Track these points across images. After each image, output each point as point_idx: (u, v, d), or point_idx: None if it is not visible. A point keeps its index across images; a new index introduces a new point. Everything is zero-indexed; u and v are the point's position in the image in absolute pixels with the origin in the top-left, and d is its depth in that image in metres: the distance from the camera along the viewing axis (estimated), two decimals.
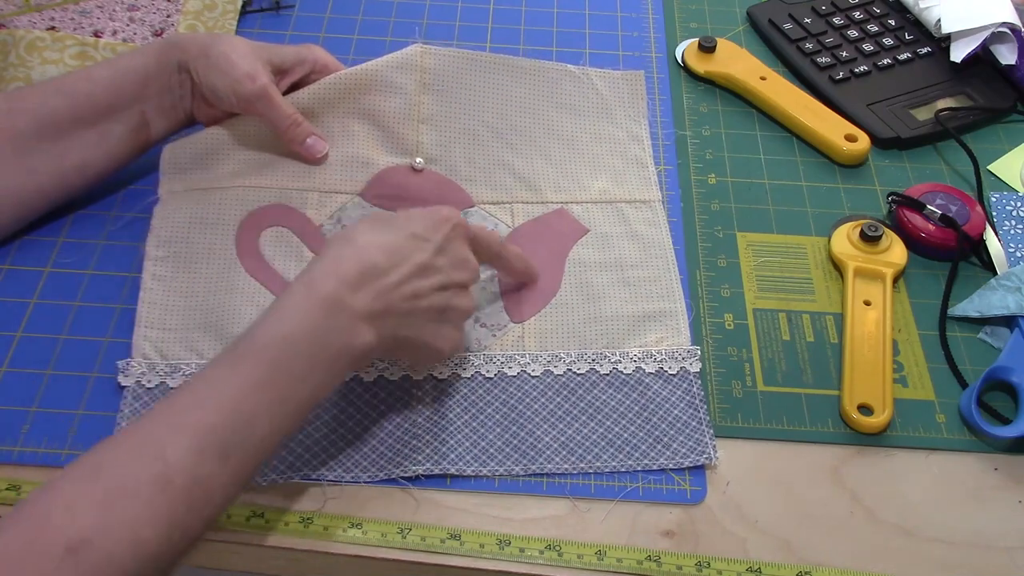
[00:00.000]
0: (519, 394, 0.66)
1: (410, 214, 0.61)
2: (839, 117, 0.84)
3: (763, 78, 0.87)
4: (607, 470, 0.62)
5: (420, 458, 0.62)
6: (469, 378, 0.66)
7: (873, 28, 0.92)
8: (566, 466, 0.62)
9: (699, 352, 0.68)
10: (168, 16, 0.89)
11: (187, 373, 0.65)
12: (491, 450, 0.63)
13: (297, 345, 0.54)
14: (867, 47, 0.91)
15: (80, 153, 0.70)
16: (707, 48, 0.89)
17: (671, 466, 0.62)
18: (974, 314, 0.71)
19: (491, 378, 0.66)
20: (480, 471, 0.62)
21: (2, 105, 0.69)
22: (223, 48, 0.71)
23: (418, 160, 0.77)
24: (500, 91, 0.81)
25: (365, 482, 0.61)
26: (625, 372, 0.67)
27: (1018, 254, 0.74)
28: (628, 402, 0.65)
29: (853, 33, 0.92)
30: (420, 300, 0.59)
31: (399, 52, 0.79)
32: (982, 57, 0.88)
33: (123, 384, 0.65)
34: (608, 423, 0.64)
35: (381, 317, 0.57)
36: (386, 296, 0.57)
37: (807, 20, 0.93)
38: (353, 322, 0.56)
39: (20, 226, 0.72)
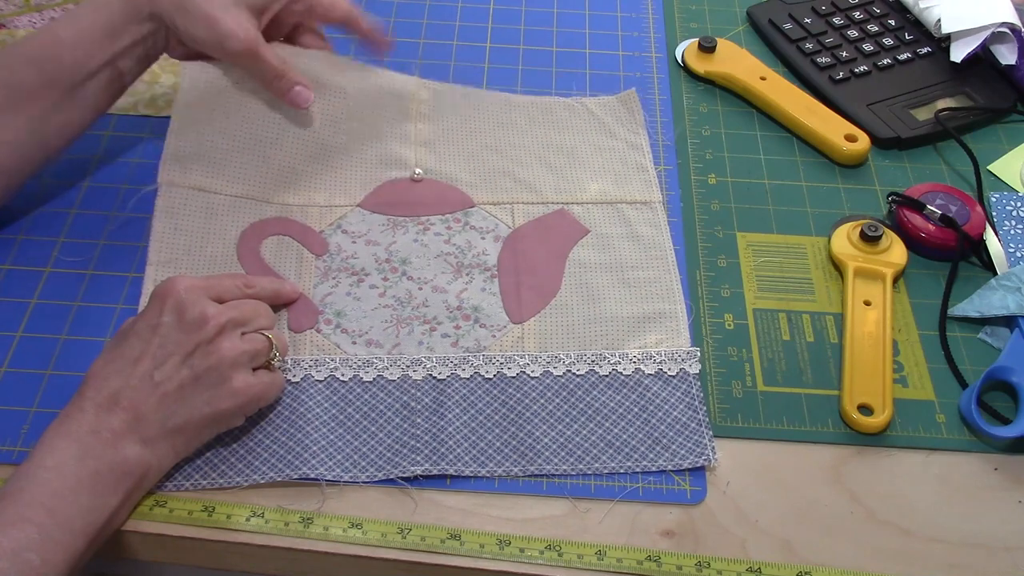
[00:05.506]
0: (518, 395, 0.66)
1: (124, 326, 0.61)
2: (839, 117, 0.84)
3: (763, 78, 0.87)
4: (606, 471, 0.62)
5: (419, 458, 0.62)
6: (468, 379, 0.66)
7: (873, 28, 0.92)
8: (565, 467, 0.62)
9: (698, 353, 0.68)
10: None
11: None
12: (490, 451, 0.63)
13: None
14: (867, 47, 0.91)
15: (57, 116, 0.69)
16: (707, 48, 0.89)
17: (670, 467, 0.62)
18: (974, 314, 0.71)
19: (490, 379, 0.66)
20: (479, 472, 0.62)
21: None
22: (199, 2, 0.68)
23: (417, 171, 0.78)
24: (496, 118, 0.83)
25: (364, 482, 0.61)
26: (624, 373, 0.67)
27: (1018, 254, 0.74)
28: (627, 403, 0.65)
29: (853, 33, 0.92)
30: (163, 386, 0.57)
31: (397, 76, 0.82)
32: (982, 57, 0.88)
33: None
34: (607, 424, 0.64)
35: (136, 424, 0.56)
36: (127, 403, 0.56)
37: (807, 20, 0.93)
38: (111, 443, 0.55)
39: (6, 198, 0.71)
